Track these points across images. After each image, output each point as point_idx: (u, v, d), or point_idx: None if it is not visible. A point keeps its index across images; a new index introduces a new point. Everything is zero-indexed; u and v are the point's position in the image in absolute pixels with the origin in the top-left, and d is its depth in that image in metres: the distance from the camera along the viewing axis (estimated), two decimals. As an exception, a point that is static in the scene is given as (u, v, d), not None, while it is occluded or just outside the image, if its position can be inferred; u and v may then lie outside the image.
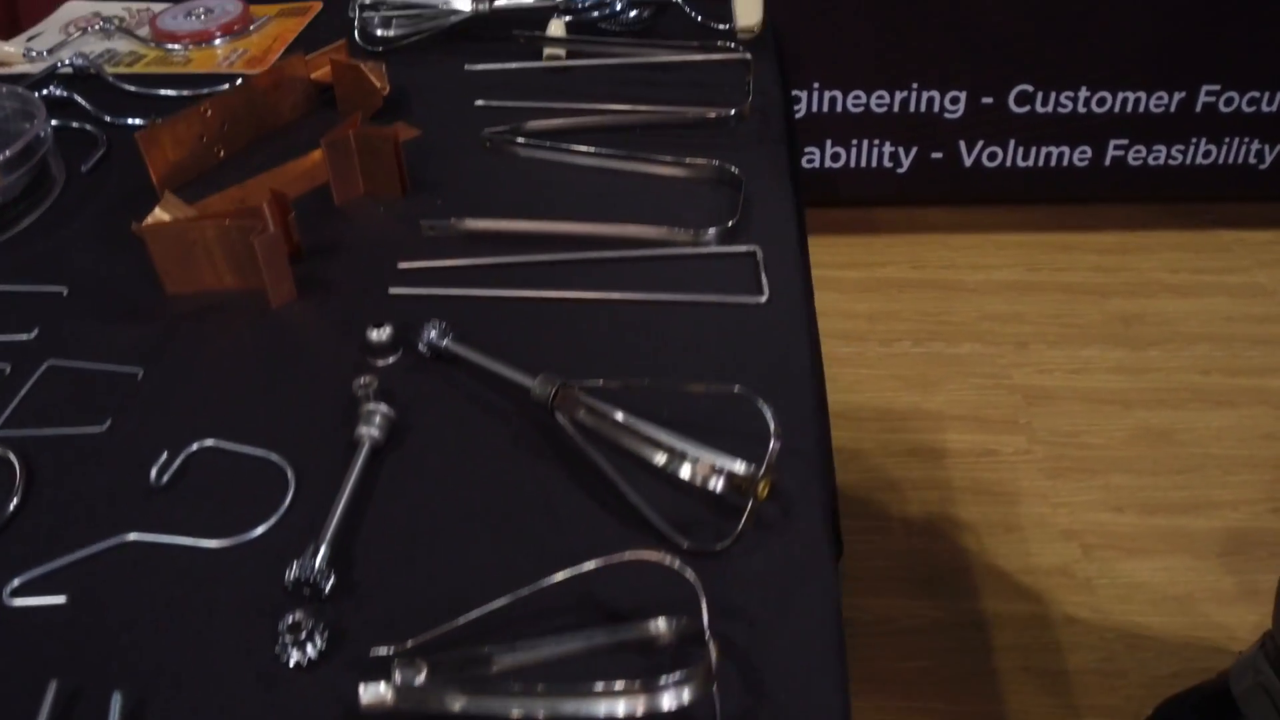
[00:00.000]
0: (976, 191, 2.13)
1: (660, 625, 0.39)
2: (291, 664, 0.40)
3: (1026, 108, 2.02)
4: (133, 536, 0.47)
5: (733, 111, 0.76)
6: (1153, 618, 1.50)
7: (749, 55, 0.78)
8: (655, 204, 0.69)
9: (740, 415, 0.50)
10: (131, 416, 0.54)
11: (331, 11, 1.02)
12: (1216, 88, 2.01)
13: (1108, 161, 2.09)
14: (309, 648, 0.40)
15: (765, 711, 0.38)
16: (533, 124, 0.76)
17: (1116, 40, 1.95)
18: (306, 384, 0.55)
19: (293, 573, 0.43)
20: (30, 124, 0.73)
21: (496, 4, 0.91)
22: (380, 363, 0.56)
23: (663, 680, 0.34)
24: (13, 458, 0.51)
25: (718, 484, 0.42)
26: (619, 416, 0.47)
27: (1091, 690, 1.40)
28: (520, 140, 0.74)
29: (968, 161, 2.08)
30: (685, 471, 0.42)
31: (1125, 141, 2.07)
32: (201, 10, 0.98)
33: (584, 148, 0.73)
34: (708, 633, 0.37)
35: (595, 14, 0.91)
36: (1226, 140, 2.07)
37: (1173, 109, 2.03)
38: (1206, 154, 2.09)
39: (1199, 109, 2.04)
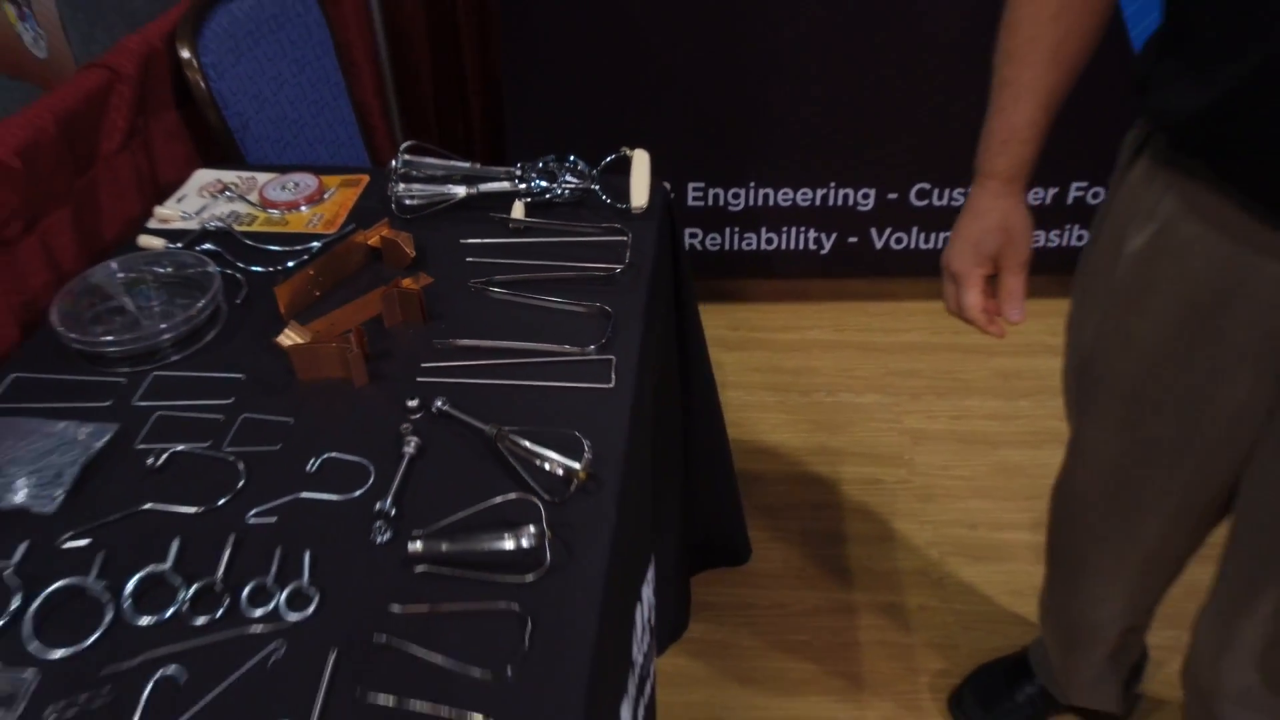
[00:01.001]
0: (886, 268, 2.76)
1: (531, 529, 1.03)
2: (378, 542, 1.05)
3: (925, 201, 2.65)
4: (304, 494, 1.11)
5: (617, 269, 1.41)
6: (987, 607, 2.10)
7: (628, 236, 1.43)
8: (564, 326, 1.34)
9: (584, 440, 1.14)
10: (291, 443, 1.19)
11: (376, 183, 1.68)
12: (1085, 184, 2.63)
13: (993, 245, 2.70)
14: (385, 534, 1.05)
15: (564, 571, 1.01)
16: (499, 276, 1.41)
17: (996, 148, 2.57)
18: (377, 426, 1.20)
19: (378, 507, 1.08)
20: (207, 272, 1.39)
21: (482, 189, 1.56)
22: (414, 417, 1.20)
23: (524, 538, 0.99)
24: (239, 462, 1.16)
25: (559, 471, 1.06)
26: (526, 444, 1.11)
27: (930, 658, 2.00)
28: (492, 289, 1.39)
29: (879, 245, 2.72)
30: (547, 467, 1.07)
31: (1007, 229, 2.68)
32: (291, 184, 1.64)
33: (528, 295, 1.38)
34: (545, 527, 1.01)
35: (547, 195, 1.57)
36: (1095, 227, 2.67)
37: (1048, 202, 2.65)
38: (1079, 237, 2.71)
39: (1070, 201, 2.66)
